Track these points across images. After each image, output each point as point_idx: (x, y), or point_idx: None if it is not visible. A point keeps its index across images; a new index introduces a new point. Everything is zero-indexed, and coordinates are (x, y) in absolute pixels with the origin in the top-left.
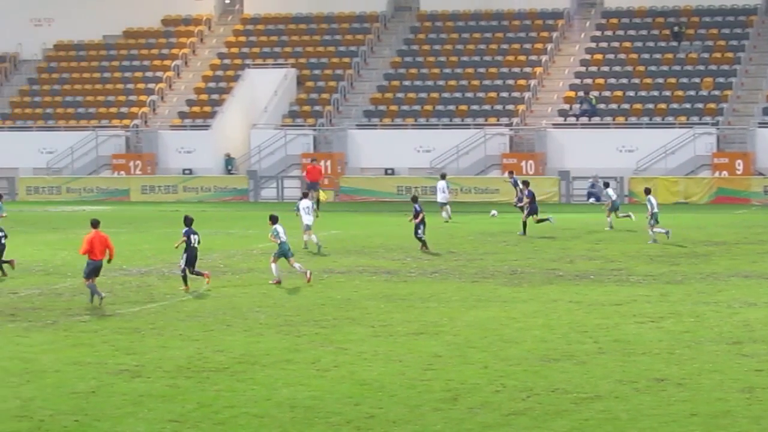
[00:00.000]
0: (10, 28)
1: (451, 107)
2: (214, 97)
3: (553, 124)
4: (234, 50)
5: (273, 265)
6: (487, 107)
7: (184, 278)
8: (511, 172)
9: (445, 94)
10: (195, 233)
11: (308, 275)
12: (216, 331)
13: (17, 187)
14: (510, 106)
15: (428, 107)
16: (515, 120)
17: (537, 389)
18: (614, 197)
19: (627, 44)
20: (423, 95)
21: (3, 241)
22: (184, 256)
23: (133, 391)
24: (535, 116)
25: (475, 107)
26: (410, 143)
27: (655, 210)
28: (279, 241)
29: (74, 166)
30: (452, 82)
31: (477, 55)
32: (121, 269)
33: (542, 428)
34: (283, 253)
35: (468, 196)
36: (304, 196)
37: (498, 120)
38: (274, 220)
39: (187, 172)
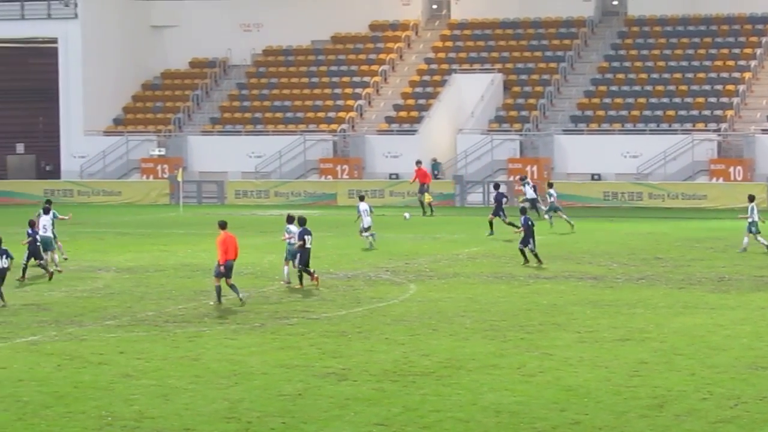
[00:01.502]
0: (220, 34)
1: (659, 112)
2: (421, 101)
3: (762, 130)
4: (441, 55)
5: (285, 267)
6: (695, 112)
7: (300, 276)
8: (522, 177)
9: (653, 99)
10: (309, 233)
11: (286, 280)
12: (422, 335)
13: (226, 190)
14: (718, 112)
15: (635, 112)
16: (723, 125)
17: (745, 397)
18: (554, 198)
19: None
20: (630, 100)
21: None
22: (298, 255)
23: (340, 394)
24: (744, 122)
25: (682, 112)
26: (617, 148)
27: (755, 218)
28: (289, 241)
29: (282, 170)
30: (660, 87)
31: (685, 60)
32: (329, 273)
33: None
34: (293, 254)
35: (675, 202)
36: (361, 198)
37: (706, 125)
38: (290, 220)
39: (393, 176)
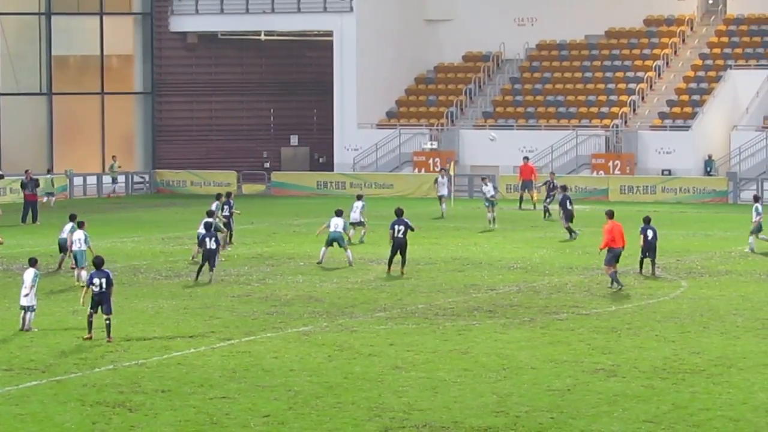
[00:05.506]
0: (494, 28)
1: None
2: (695, 97)
3: None
4: (716, 51)
5: (322, 249)
6: None
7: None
8: (443, 169)
9: None
10: (402, 223)
11: (349, 261)
12: (692, 333)
13: (498, 185)
14: None
15: None
16: None
17: None
18: (492, 193)
19: None
20: None
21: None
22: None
23: (609, 391)
24: None
25: None
26: None
27: (758, 219)
28: (329, 231)
29: (554, 165)
30: None
31: None
32: (599, 269)
33: None
34: (333, 240)
35: None
36: (359, 198)
37: None
38: (338, 213)
39: (666, 172)
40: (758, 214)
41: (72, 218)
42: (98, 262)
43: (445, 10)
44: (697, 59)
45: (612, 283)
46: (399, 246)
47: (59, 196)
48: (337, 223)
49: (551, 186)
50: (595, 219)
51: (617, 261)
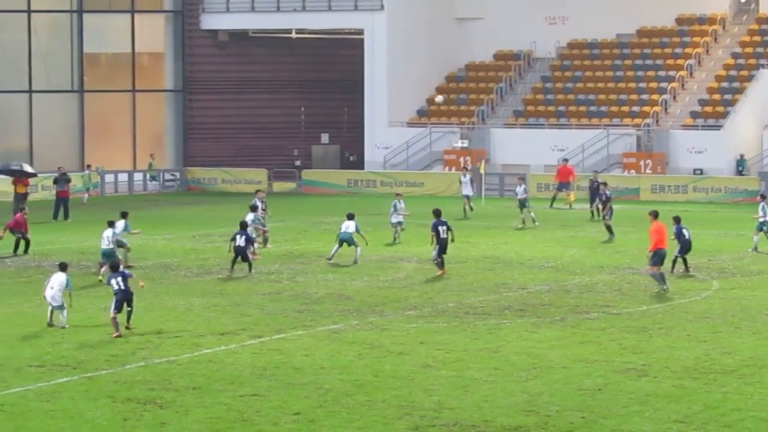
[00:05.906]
0: (525, 27)
1: None
2: (727, 97)
3: None
4: (748, 50)
5: (335, 246)
6: None
7: (437, 264)
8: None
9: None
10: (443, 224)
11: (356, 259)
12: (724, 333)
13: (528, 183)
14: None
15: None
16: None
17: None
18: (522, 195)
19: None
20: None
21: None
22: (437, 246)
23: (640, 390)
24: None
25: None
26: None
27: (767, 218)
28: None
29: (584, 164)
30: None
31: None
32: (630, 268)
33: None
34: (342, 240)
35: None
36: (349, 217)
37: None
38: (350, 217)
39: (697, 172)
40: (764, 213)
41: (123, 216)
42: (114, 266)
43: (476, 9)
44: (729, 58)
45: (661, 284)
46: (444, 246)
47: (91, 192)
48: (348, 225)
49: (595, 186)
50: (626, 219)
51: (663, 262)
